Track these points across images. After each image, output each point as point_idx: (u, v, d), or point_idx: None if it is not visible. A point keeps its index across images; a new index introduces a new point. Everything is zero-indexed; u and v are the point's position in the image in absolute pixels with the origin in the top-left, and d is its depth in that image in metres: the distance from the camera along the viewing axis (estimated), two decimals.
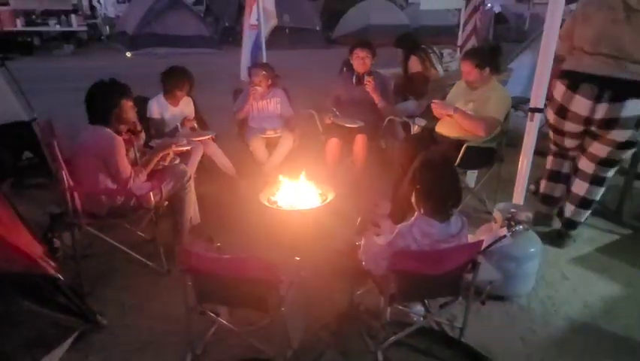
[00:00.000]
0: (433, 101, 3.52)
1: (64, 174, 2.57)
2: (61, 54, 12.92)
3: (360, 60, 4.08)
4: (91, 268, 2.94)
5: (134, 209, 2.73)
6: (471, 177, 3.76)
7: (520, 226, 2.52)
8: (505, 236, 2.28)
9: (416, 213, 2.11)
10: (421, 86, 4.80)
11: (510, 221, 2.56)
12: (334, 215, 3.37)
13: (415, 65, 5.04)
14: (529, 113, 2.86)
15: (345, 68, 4.94)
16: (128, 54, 12.72)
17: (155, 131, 3.77)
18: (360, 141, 3.87)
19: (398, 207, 3.36)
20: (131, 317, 2.58)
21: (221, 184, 4.02)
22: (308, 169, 3.66)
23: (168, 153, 3.00)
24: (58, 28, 13.48)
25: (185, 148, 3.18)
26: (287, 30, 13.40)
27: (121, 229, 3.09)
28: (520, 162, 2.99)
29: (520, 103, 4.87)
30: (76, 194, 2.65)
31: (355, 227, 3.12)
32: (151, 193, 2.65)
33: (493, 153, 3.57)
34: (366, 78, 3.99)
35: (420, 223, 2.06)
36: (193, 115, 4.01)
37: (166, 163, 3.09)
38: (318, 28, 14.76)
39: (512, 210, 2.62)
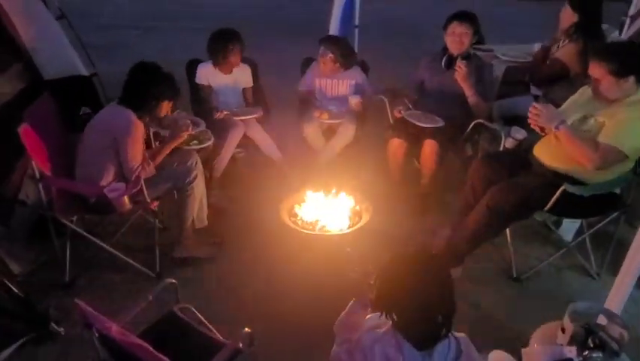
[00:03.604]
0: (534, 105, 2.49)
1: (36, 163, 2.32)
2: None
3: (456, 38, 3.11)
4: (76, 266, 2.70)
5: (108, 211, 2.40)
6: (569, 228, 2.70)
7: (600, 354, 1.60)
8: None
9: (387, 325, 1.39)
10: (552, 78, 3.45)
11: (588, 337, 1.65)
12: (378, 234, 2.70)
13: (570, 51, 3.25)
14: None
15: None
16: None
17: (204, 101, 3.39)
18: (428, 147, 3.02)
19: (451, 248, 2.57)
20: None
21: (262, 171, 3.55)
22: (365, 171, 2.99)
23: (182, 142, 2.63)
24: None
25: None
26: None
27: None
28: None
29: None
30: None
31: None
32: (125, 198, 2.27)
33: (613, 199, 2.47)
34: (459, 62, 3.04)
35: (386, 341, 1.34)
36: (250, 85, 3.52)
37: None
38: None
39: (598, 317, 1.68)
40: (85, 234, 2.54)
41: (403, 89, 3.57)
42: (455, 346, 1.34)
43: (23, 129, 2.26)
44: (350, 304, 1.57)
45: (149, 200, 2.38)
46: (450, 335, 1.33)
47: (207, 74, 3.39)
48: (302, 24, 6.99)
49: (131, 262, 2.60)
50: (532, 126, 2.50)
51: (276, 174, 3.48)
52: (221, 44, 3.24)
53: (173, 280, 1.90)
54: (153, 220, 2.62)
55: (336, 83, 3.59)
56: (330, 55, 3.37)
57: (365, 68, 3.70)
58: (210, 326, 1.96)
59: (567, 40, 3.31)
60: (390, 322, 1.34)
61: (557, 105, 2.59)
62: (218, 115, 3.24)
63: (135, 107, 2.41)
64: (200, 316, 1.97)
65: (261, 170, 3.59)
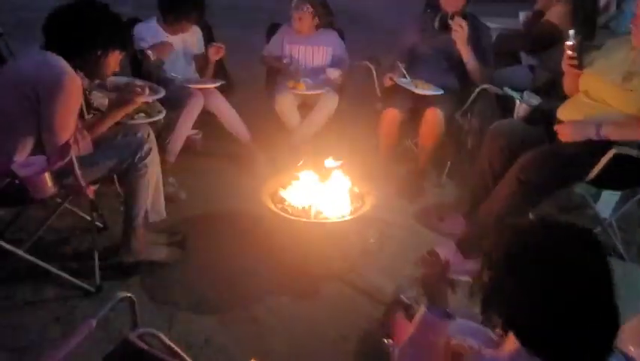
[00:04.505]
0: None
1: None
2: None
3: None
4: None
5: (22, 200, 1.68)
6: (608, 202, 2.34)
7: None
8: None
9: (509, 342, 0.87)
10: (544, 42, 3.18)
11: None
12: (378, 222, 2.20)
13: (560, 11, 3.10)
14: None
15: (428, 9, 3.49)
16: None
17: (149, 73, 2.70)
18: (431, 116, 2.55)
19: (476, 231, 2.12)
20: None
21: (225, 154, 2.94)
22: (348, 149, 2.49)
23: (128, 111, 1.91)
24: None
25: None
26: None
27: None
28: None
29: None
30: None
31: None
32: (46, 176, 1.57)
33: None
34: (456, 20, 2.60)
35: None
36: (202, 50, 2.89)
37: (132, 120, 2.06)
38: None
39: None
40: None
41: (387, 57, 3.11)
42: None
43: None
44: (420, 314, 1.04)
45: (82, 182, 1.67)
46: (616, 350, 0.84)
47: (148, 36, 2.71)
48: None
49: (59, 272, 1.87)
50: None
51: (244, 157, 2.88)
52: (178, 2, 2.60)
53: (128, 294, 1.27)
54: (90, 213, 1.95)
55: (310, 50, 3.06)
56: (309, 7, 2.84)
57: (342, 36, 3.20)
58: (185, 355, 1.36)
59: (556, 1, 3.10)
60: (512, 341, 0.83)
61: (558, 70, 2.25)
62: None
63: (70, 54, 1.68)
64: (167, 341, 1.36)
65: (224, 153, 2.98)
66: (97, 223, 2.14)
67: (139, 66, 2.71)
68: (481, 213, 2.13)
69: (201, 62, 2.91)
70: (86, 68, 1.76)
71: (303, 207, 2.03)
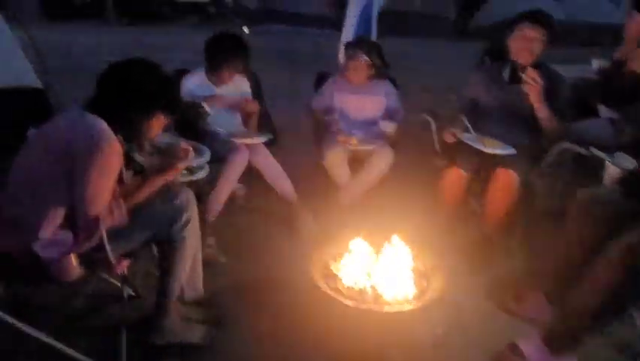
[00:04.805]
0: None
1: None
2: (183, 24, 12.81)
3: (527, 43, 2.40)
4: None
5: (45, 279, 1.47)
6: None
7: None
8: None
9: None
10: (628, 95, 2.85)
11: None
12: (446, 306, 1.87)
13: None
14: None
15: (488, 59, 3.24)
16: (245, 29, 12.29)
17: (193, 124, 2.55)
18: (505, 178, 2.25)
19: (568, 326, 1.76)
20: None
21: (269, 212, 2.72)
22: (403, 210, 2.22)
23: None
24: None
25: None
26: (408, 14, 11.44)
27: None
28: None
29: None
30: None
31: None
32: (72, 257, 1.36)
33: None
34: (529, 72, 2.32)
35: None
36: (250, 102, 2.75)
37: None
38: (450, 16, 12.67)
39: None
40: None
41: (444, 110, 2.87)
42: None
43: None
44: None
45: (113, 259, 1.46)
46: None
47: (197, 88, 2.59)
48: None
49: (79, 357, 1.63)
50: None
51: (289, 216, 2.65)
52: (224, 51, 2.49)
53: None
54: (121, 285, 1.73)
55: (362, 100, 2.85)
56: (364, 58, 2.65)
57: (395, 86, 2.99)
58: None
59: None
60: None
61: None
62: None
63: (111, 117, 1.53)
64: None
65: (268, 210, 2.77)
66: (128, 293, 1.93)
67: (184, 120, 2.59)
68: (573, 303, 1.76)
69: (245, 114, 2.76)
70: (128, 131, 1.58)
71: (360, 288, 1.74)
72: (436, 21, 12.49)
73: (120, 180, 1.61)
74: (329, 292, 1.72)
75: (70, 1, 11.15)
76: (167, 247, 1.66)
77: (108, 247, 1.40)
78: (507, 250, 2.48)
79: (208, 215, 2.41)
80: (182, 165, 1.70)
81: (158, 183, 1.65)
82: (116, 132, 1.51)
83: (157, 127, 1.65)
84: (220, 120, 2.61)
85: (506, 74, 2.53)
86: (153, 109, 1.59)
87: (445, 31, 12.26)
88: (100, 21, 10.64)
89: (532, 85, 2.31)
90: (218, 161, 2.42)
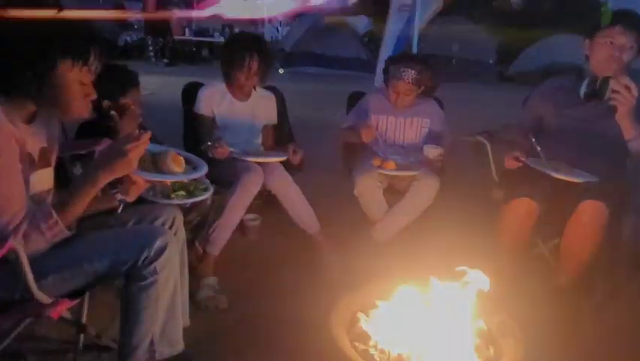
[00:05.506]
0: None
1: None
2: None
3: (614, 51, 1.91)
4: None
5: None
6: None
7: None
8: None
9: None
10: None
11: None
12: None
13: None
14: None
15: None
16: (281, 70, 12.54)
17: (202, 139, 2.17)
18: (591, 212, 1.72)
19: None
20: None
21: (286, 247, 2.27)
22: (452, 251, 1.77)
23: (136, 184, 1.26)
24: (222, 39, 13.88)
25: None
26: (453, 60, 11.77)
27: None
28: None
29: None
30: None
31: None
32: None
33: None
34: (621, 79, 1.81)
35: None
36: (274, 122, 2.37)
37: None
38: (491, 62, 12.77)
39: None
40: None
41: (500, 131, 2.39)
42: None
43: None
44: None
45: (42, 298, 1.01)
46: None
47: (212, 102, 2.23)
48: None
49: None
50: None
51: (310, 254, 2.18)
52: (240, 50, 2.13)
53: None
54: (76, 334, 1.29)
55: (402, 122, 2.42)
56: (414, 74, 2.22)
57: (442, 106, 2.55)
58: None
59: None
60: None
61: None
62: (219, 151, 2.02)
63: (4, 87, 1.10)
64: None
65: (285, 245, 2.32)
66: (93, 340, 1.47)
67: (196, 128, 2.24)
68: None
69: (269, 136, 2.38)
70: (39, 99, 1.13)
71: (399, 355, 1.23)
72: (475, 65, 12.61)
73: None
74: (356, 357, 1.21)
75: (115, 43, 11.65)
76: (129, 286, 1.20)
77: (30, 278, 0.95)
78: (591, 309, 1.91)
79: (210, 249, 1.98)
80: (134, 152, 1.12)
81: (103, 180, 1.13)
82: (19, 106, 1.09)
83: (74, 82, 1.16)
84: (238, 138, 2.23)
85: (583, 89, 2.03)
86: (49, 54, 1.11)
87: (486, 76, 12.25)
88: (141, 61, 11.02)
89: (625, 96, 1.80)
90: (227, 184, 2.02)
